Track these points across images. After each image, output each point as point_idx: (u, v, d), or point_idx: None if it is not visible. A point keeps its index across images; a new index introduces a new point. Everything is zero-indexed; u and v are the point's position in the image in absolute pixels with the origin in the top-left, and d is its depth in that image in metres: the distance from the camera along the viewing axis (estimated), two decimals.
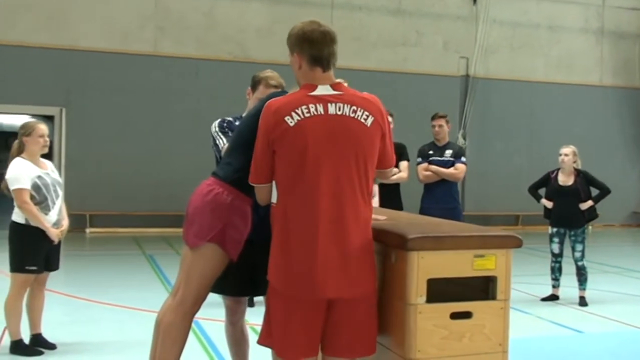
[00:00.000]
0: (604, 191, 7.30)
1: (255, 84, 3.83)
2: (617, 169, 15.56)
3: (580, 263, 7.23)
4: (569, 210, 7.20)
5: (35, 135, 4.92)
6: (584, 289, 7.26)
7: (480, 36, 15.24)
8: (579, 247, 7.21)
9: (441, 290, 2.81)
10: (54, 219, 4.97)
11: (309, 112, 2.73)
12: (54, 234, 4.91)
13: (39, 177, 4.90)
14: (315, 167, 2.71)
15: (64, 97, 12.76)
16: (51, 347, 5.07)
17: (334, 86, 2.82)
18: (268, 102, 2.83)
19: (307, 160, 2.71)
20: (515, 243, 2.90)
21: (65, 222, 5.11)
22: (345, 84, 2.90)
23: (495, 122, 15.58)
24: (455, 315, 2.80)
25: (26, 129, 4.95)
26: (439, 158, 6.74)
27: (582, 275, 7.24)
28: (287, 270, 2.77)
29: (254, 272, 3.60)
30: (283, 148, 2.74)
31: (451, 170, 6.71)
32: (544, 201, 7.45)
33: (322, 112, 2.74)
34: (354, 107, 2.77)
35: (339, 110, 2.75)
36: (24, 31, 12.60)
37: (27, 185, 4.82)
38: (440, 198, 6.67)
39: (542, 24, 16.05)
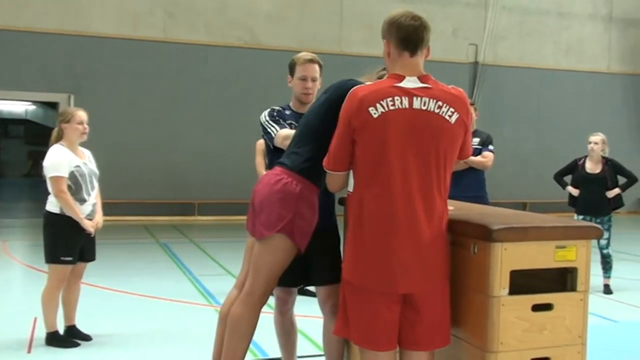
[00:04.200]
0: (632, 179, 7.30)
1: (291, 68, 3.81)
2: (623, 156, 15.40)
3: (605, 251, 7.21)
4: (596, 198, 7.16)
5: (74, 122, 4.79)
6: (609, 277, 7.25)
7: (489, 23, 15.17)
8: (605, 234, 7.19)
9: (518, 281, 2.75)
10: (88, 211, 4.87)
11: (393, 104, 2.64)
12: (88, 225, 4.81)
13: (77, 166, 4.79)
14: (395, 161, 2.64)
15: (72, 84, 12.59)
16: (86, 338, 5.00)
17: (422, 78, 2.71)
18: (353, 89, 2.75)
19: (387, 153, 2.64)
20: (596, 233, 2.87)
21: (99, 216, 4.98)
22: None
23: (503, 109, 15.50)
24: (536, 307, 2.75)
25: (65, 116, 4.84)
26: None
27: (607, 264, 7.23)
28: (361, 263, 2.72)
29: (306, 262, 3.56)
30: (363, 138, 2.67)
31: (479, 158, 6.62)
32: (569, 188, 7.40)
33: (407, 106, 2.65)
34: (440, 103, 2.67)
35: (424, 105, 2.66)
36: (32, 16, 12.42)
37: (65, 173, 4.71)
38: (468, 186, 6.54)
39: (551, 10, 15.96)
